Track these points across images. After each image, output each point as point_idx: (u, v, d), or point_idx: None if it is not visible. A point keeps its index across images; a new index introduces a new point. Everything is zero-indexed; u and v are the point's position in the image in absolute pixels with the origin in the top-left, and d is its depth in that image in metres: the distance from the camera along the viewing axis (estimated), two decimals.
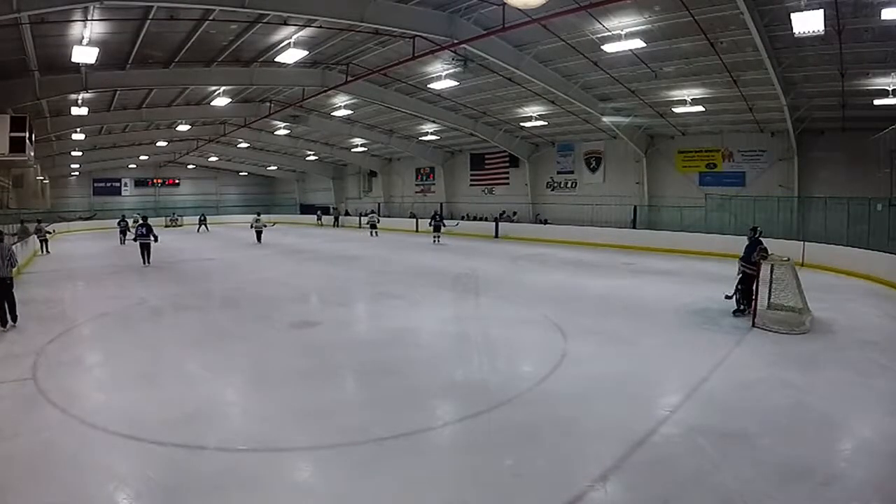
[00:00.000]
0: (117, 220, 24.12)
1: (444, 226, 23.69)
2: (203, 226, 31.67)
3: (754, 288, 8.10)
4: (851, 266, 12.78)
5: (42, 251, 19.07)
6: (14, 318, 8.08)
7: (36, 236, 19.25)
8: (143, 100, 19.76)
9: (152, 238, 15.53)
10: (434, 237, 22.65)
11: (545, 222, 25.09)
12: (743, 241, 8.84)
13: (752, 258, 8.23)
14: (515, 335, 7.50)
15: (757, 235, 8.62)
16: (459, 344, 7.21)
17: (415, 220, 30.43)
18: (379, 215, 30.53)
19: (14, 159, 14.31)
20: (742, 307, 8.40)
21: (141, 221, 16.74)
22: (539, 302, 9.66)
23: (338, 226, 35.59)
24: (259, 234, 23.38)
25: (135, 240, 16.03)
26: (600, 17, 11.75)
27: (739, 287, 8.51)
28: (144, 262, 15.37)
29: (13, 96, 13.97)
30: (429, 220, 23.63)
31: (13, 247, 9.29)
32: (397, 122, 25.15)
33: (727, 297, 8.73)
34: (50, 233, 20.37)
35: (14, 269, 8.39)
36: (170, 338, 7.49)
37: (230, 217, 40.07)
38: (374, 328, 8.32)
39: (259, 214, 25.33)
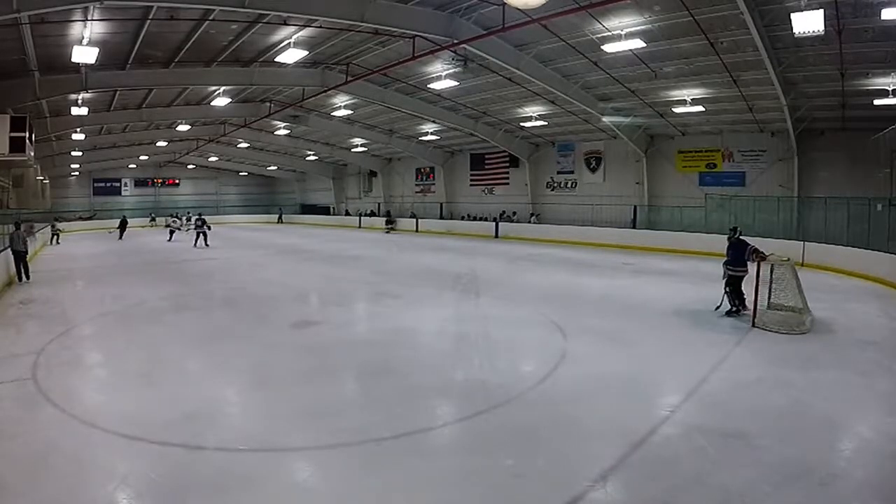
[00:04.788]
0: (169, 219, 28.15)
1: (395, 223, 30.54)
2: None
3: (751, 287, 8.09)
4: (851, 266, 12.78)
5: (53, 243, 23.18)
6: (28, 277, 11.98)
7: (50, 230, 23.77)
8: (143, 100, 19.77)
9: (206, 228, 21.47)
10: (387, 230, 29.44)
11: (535, 220, 25.12)
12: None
13: (752, 259, 8.19)
14: (515, 335, 7.50)
15: (738, 235, 8.62)
16: (459, 344, 7.20)
17: (415, 220, 30.50)
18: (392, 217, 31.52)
19: (14, 159, 14.35)
20: (735, 307, 8.39)
21: (198, 216, 22.23)
22: (539, 302, 9.66)
23: (281, 221, 40.88)
24: (172, 233, 25.22)
25: (194, 229, 21.82)
26: (600, 17, 11.75)
27: (727, 289, 8.45)
28: (195, 245, 20.73)
29: (13, 96, 13.98)
30: (385, 219, 30.73)
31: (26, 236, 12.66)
32: (397, 122, 25.15)
33: (717, 309, 8.60)
34: (61, 230, 24.59)
35: (26, 248, 12.20)
36: (170, 338, 7.47)
37: (230, 217, 40.10)
38: (373, 328, 8.31)
39: (176, 215, 29.70)
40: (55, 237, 23.79)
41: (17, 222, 12.59)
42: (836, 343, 7.01)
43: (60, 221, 26.91)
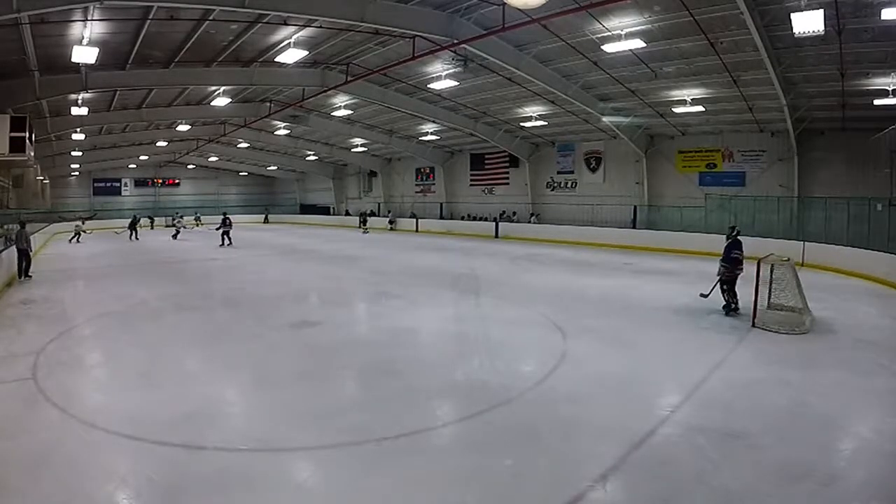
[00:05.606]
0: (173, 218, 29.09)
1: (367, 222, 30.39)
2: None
3: (751, 287, 8.12)
4: (851, 266, 12.78)
5: (74, 241, 23.59)
6: (28, 276, 12.54)
7: (74, 229, 25.03)
8: (143, 100, 19.77)
9: (229, 227, 21.75)
10: (364, 230, 29.22)
11: (535, 220, 25.15)
12: (742, 242, 8.87)
13: (731, 265, 8.40)
14: (515, 335, 7.50)
15: (735, 234, 8.70)
16: (459, 344, 7.21)
17: (415, 220, 30.49)
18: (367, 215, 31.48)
19: (14, 159, 14.34)
20: (733, 305, 8.47)
21: (223, 215, 22.32)
22: (539, 302, 9.66)
23: (267, 222, 40.62)
24: (177, 232, 25.99)
25: (218, 229, 21.95)
26: (600, 17, 11.75)
27: (724, 287, 8.57)
28: (222, 245, 20.96)
29: (13, 96, 13.98)
30: (359, 218, 30.80)
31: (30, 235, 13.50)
32: (397, 122, 25.15)
33: (703, 296, 8.84)
34: (84, 230, 25.25)
35: (29, 247, 12.97)
36: (170, 338, 7.48)
37: (231, 217, 40.02)
38: (373, 328, 8.31)
39: (178, 215, 29.91)
40: (77, 236, 24.19)
41: (21, 222, 13.36)
42: (836, 343, 7.02)
43: (85, 222, 27.26)
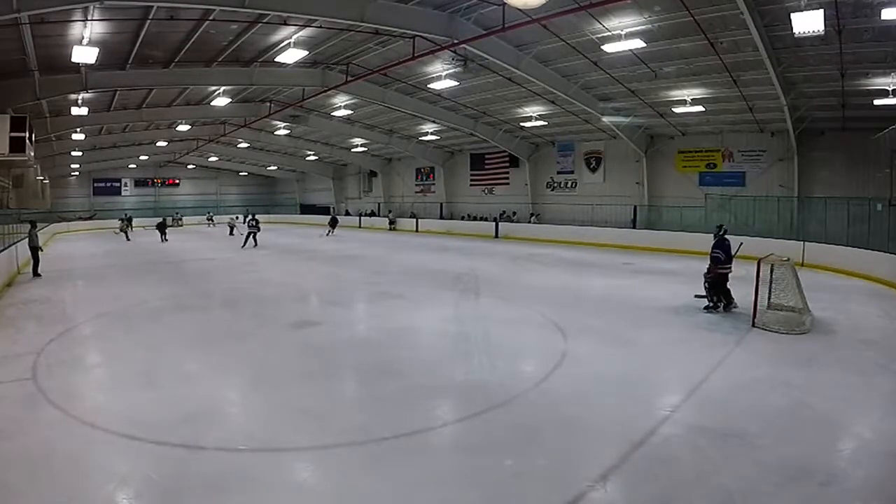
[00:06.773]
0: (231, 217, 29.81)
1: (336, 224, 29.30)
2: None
3: (751, 287, 8.15)
4: (851, 266, 12.77)
5: (125, 239, 25.35)
6: (38, 275, 13.04)
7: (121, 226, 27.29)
8: (143, 100, 19.75)
9: (257, 229, 21.71)
10: (329, 231, 28.03)
11: (536, 220, 25.16)
12: (743, 242, 8.87)
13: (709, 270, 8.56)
14: (515, 335, 7.50)
15: (721, 233, 8.75)
16: (459, 344, 7.20)
17: (415, 220, 30.48)
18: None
19: (14, 159, 14.35)
20: (718, 304, 8.56)
21: (251, 217, 22.75)
22: (539, 302, 9.66)
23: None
24: (232, 228, 27.29)
25: (250, 230, 21.68)
26: (600, 17, 11.74)
27: (706, 284, 8.69)
28: (246, 245, 20.92)
29: (13, 96, 13.96)
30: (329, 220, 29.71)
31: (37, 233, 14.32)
32: (397, 122, 25.14)
33: (696, 296, 8.91)
34: (132, 227, 27.33)
35: (35, 245, 13.64)
36: (170, 338, 7.48)
37: (231, 217, 40.01)
38: (373, 328, 8.31)
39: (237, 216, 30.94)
40: (125, 233, 26.29)
41: (32, 222, 14.36)
42: (836, 343, 7.02)
43: (123, 221, 28.58)
